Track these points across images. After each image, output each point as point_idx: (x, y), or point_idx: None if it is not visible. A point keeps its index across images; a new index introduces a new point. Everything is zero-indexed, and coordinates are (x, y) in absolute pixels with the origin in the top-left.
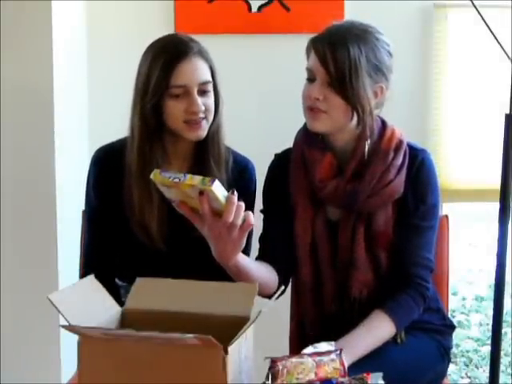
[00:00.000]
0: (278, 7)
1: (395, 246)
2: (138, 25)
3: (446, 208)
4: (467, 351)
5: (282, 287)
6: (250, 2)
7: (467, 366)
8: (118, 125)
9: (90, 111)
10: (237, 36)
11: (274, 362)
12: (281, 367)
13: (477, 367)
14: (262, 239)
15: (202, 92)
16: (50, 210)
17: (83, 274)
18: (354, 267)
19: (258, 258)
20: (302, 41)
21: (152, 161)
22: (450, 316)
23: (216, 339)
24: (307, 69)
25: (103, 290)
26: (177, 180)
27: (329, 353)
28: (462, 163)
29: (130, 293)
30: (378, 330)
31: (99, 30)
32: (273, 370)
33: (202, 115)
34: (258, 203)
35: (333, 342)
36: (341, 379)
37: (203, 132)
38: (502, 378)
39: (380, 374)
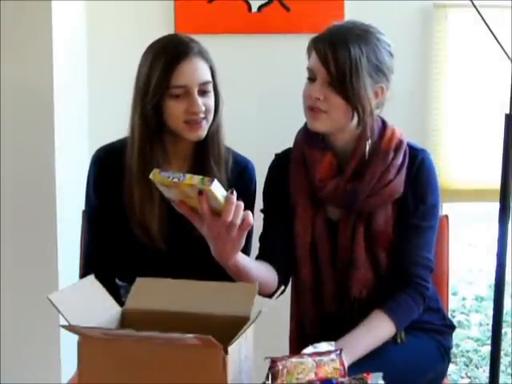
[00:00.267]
0: (278, 7)
1: (395, 245)
2: (138, 25)
3: (445, 208)
4: (467, 351)
5: (282, 287)
6: (250, 1)
7: (467, 365)
8: (117, 125)
9: (90, 111)
10: (237, 36)
11: (274, 361)
12: (281, 367)
13: (477, 367)
14: (261, 239)
15: (203, 92)
16: (50, 210)
17: (83, 274)
18: (354, 267)
19: (257, 258)
20: (302, 41)
21: (152, 161)
22: (450, 316)
23: (216, 339)
24: (308, 68)
25: (103, 290)
26: (176, 180)
27: (329, 353)
28: (461, 163)
29: (129, 293)
30: (377, 329)
31: (99, 30)
32: (273, 370)
33: (202, 115)
34: (258, 203)
35: (333, 342)
36: (341, 379)
37: (203, 132)
38: (502, 378)
39: (380, 374)
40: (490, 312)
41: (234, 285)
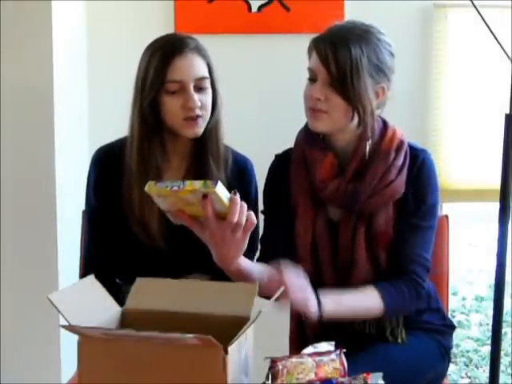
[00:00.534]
0: (278, 7)
1: (393, 244)
2: (138, 25)
3: (445, 208)
4: (467, 351)
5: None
6: (250, 1)
7: (467, 365)
8: (117, 125)
9: (90, 111)
10: (237, 36)
11: (274, 362)
12: (281, 367)
13: (477, 367)
14: (262, 240)
15: (199, 88)
16: (50, 210)
17: (83, 274)
18: (355, 267)
19: (259, 259)
20: (302, 41)
21: (151, 158)
22: (450, 316)
23: (216, 339)
24: (309, 69)
25: (103, 290)
26: (176, 188)
27: (329, 353)
28: (462, 163)
29: (129, 293)
30: (365, 296)
31: (99, 30)
32: (273, 370)
33: (198, 111)
34: (258, 202)
35: (333, 342)
36: (341, 379)
37: (199, 130)
38: (502, 378)
39: (380, 374)
40: (490, 312)
41: (234, 285)
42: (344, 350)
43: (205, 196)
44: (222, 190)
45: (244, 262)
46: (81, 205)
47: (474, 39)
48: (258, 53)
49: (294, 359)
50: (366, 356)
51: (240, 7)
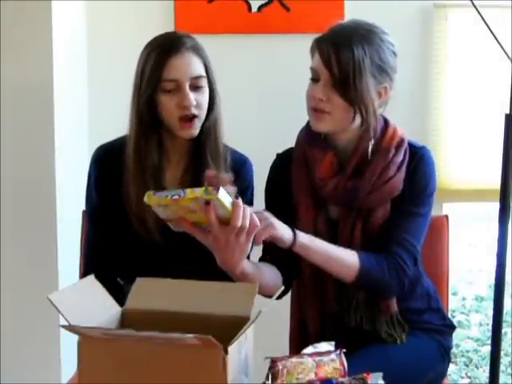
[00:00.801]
0: (278, 7)
1: (384, 230)
2: (138, 25)
3: (445, 208)
4: (467, 351)
5: (282, 287)
6: (250, 1)
7: (467, 365)
8: (117, 125)
9: (90, 111)
10: (237, 36)
11: (274, 361)
12: (281, 367)
13: (477, 367)
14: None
15: (195, 87)
16: (50, 210)
17: (84, 274)
18: None
19: (261, 259)
20: (301, 41)
21: (148, 156)
22: (450, 316)
23: (216, 339)
24: (311, 68)
25: (103, 290)
26: (176, 197)
27: (329, 353)
28: (462, 163)
29: (129, 293)
30: (341, 249)
31: (99, 30)
32: (273, 370)
33: (194, 110)
34: (260, 202)
35: (333, 342)
36: (341, 379)
37: (195, 131)
38: (502, 378)
39: (380, 374)
40: (490, 312)
41: (234, 285)
42: (344, 350)
43: (207, 202)
44: (224, 196)
45: (248, 266)
46: (81, 205)
47: (474, 39)
48: (257, 53)
49: (294, 359)
50: (366, 356)
51: (240, 7)
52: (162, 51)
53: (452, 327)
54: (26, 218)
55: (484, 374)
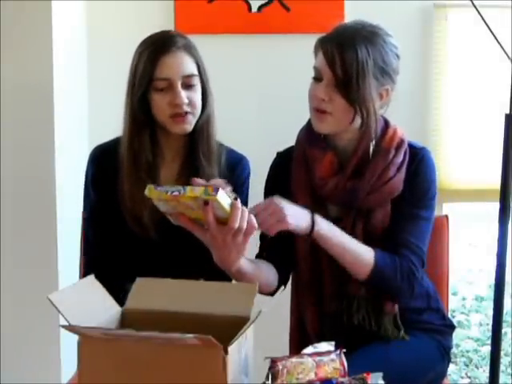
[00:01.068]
0: (278, 7)
1: (388, 232)
2: (138, 25)
3: (446, 208)
4: (467, 351)
5: (282, 287)
6: (250, 1)
7: (467, 365)
8: (117, 125)
9: (90, 111)
10: (237, 36)
11: (274, 361)
12: (281, 367)
13: (477, 367)
14: (262, 237)
15: (187, 86)
16: (50, 210)
17: (84, 274)
18: None
19: (258, 256)
20: (301, 41)
21: (141, 154)
22: (450, 316)
23: (216, 339)
24: (314, 68)
25: (103, 289)
26: (176, 193)
27: (329, 353)
28: (462, 163)
29: (129, 293)
30: (359, 245)
31: (99, 30)
32: (273, 370)
33: (186, 108)
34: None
35: (333, 342)
36: (341, 379)
37: (189, 126)
38: (502, 378)
39: (380, 374)
40: (490, 312)
41: (233, 285)
42: (344, 350)
43: (206, 202)
44: (223, 197)
45: (244, 264)
46: (81, 205)
47: (474, 39)
48: (258, 53)
49: (294, 359)
50: (366, 356)
51: (240, 7)
52: (154, 50)
53: (452, 327)
54: (25, 218)
55: (484, 373)
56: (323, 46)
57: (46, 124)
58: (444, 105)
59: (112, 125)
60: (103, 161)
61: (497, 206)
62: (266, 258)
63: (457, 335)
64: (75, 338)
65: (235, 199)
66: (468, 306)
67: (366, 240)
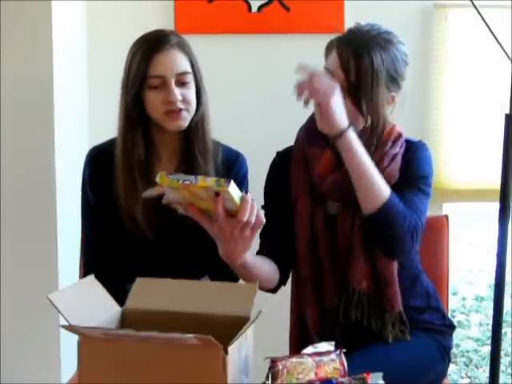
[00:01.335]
0: (278, 7)
1: None
2: (137, 25)
3: (445, 208)
4: (467, 351)
5: (282, 286)
6: (250, 1)
7: (467, 365)
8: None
9: (89, 111)
10: (237, 36)
11: (274, 361)
12: (281, 367)
13: (477, 367)
14: (262, 234)
15: (181, 83)
16: (50, 209)
17: (84, 274)
18: (353, 257)
19: (258, 253)
20: (301, 41)
21: (134, 151)
22: (450, 316)
23: (216, 339)
24: (326, 68)
25: (103, 289)
26: (188, 182)
27: (329, 353)
28: (461, 163)
29: (129, 293)
30: (379, 176)
31: (99, 30)
32: (273, 370)
33: (180, 105)
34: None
35: (333, 342)
36: (341, 379)
37: (183, 122)
38: (502, 378)
39: (380, 374)
40: (490, 312)
41: (233, 285)
42: (344, 350)
43: (217, 193)
44: (234, 189)
45: (249, 258)
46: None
47: (474, 39)
48: (257, 53)
49: (294, 359)
50: (366, 356)
51: (240, 7)
52: (147, 48)
53: (452, 327)
54: (26, 217)
55: (484, 373)
56: (339, 47)
57: (46, 124)
58: (444, 105)
59: (112, 125)
60: (100, 161)
61: (497, 206)
62: (266, 255)
63: (457, 335)
64: (75, 337)
65: (246, 193)
66: (468, 306)
67: (366, 236)
